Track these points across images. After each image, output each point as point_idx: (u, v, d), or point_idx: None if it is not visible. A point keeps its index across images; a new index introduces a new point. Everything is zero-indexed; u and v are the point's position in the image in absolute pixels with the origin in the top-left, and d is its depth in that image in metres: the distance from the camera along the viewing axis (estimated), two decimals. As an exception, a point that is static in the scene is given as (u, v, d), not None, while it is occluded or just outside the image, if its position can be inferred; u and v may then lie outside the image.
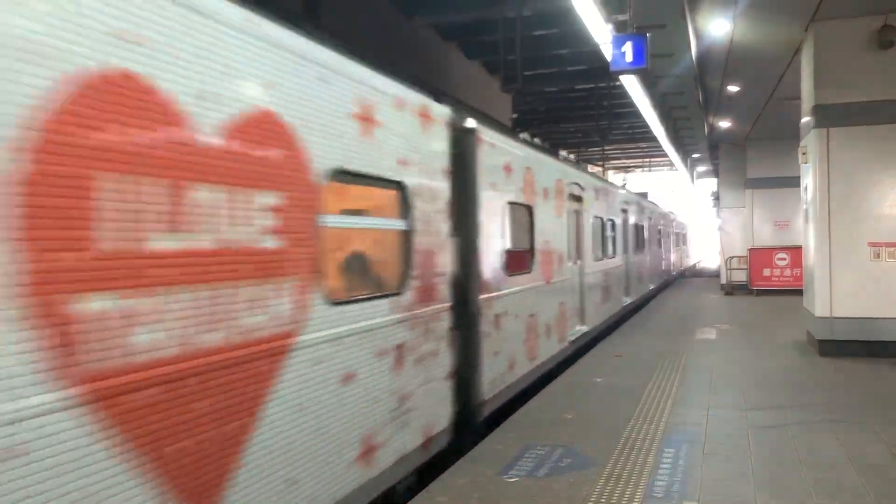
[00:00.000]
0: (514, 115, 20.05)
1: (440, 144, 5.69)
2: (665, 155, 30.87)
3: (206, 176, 3.07)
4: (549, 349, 9.08)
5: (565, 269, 9.87)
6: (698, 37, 11.89)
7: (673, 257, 30.20)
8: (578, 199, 11.00)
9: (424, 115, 5.40)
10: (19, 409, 2.22)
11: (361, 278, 4.88)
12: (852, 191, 10.01)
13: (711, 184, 36.54)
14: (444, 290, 5.58)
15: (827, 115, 10.14)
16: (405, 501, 4.89)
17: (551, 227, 9.22)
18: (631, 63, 9.28)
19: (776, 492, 4.86)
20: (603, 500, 4.73)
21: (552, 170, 9.56)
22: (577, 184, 10.89)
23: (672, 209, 33.14)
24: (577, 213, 10.99)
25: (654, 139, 24.21)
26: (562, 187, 9.83)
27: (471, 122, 6.41)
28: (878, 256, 9.90)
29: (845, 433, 6.24)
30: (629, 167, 43.59)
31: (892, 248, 9.85)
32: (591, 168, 29.86)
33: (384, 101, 4.78)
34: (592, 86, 19.08)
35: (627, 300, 16.08)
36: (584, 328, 11.14)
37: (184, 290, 2.93)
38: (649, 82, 15.33)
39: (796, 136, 11.65)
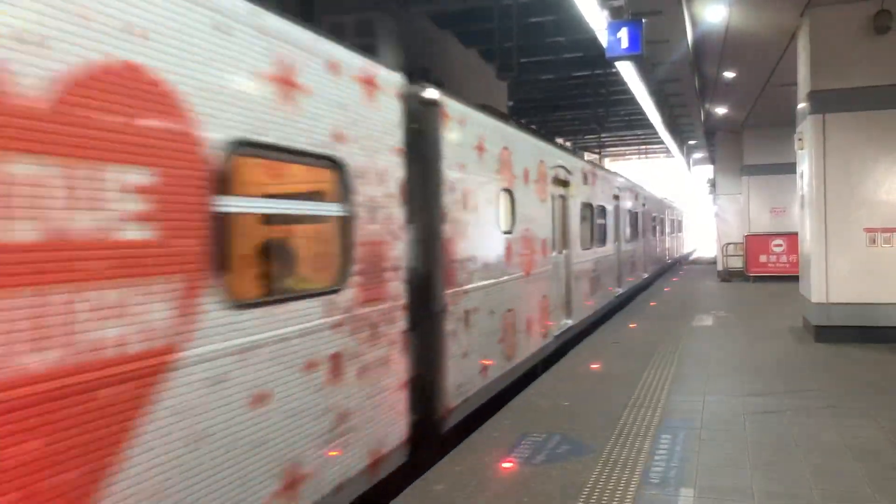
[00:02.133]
0: (511, 103, 19.98)
1: None
2: (661, 142, 30.82)
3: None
4: None
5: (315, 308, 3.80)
6: (694, 23, 11.84)
7: (652, 254, 22.99)
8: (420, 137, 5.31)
9: None
10: None
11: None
12: (848, 177, 10.01)
13: (708, 171, 36.52)
14: None
15: (823, 102, 10.11)
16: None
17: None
18: (627, 49, 9.25)
19: (773, 478, 4.88)
20: (600, 487, 4.75)
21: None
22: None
23: (645, 185, 24.32)
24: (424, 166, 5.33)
25: (651, 126, 24.14)
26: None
27: None
28: (874, 242, 9.91)
29: (842, 419, 6.27)
30: (626, 154, 43.55)
31: (888, 234, 9.86)
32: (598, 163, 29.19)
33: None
34: (588, 73, 18.98)
35: (564, 324, 10.28)
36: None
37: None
38: (645, 69, 15.27)
39: (792, 123, 11.63)
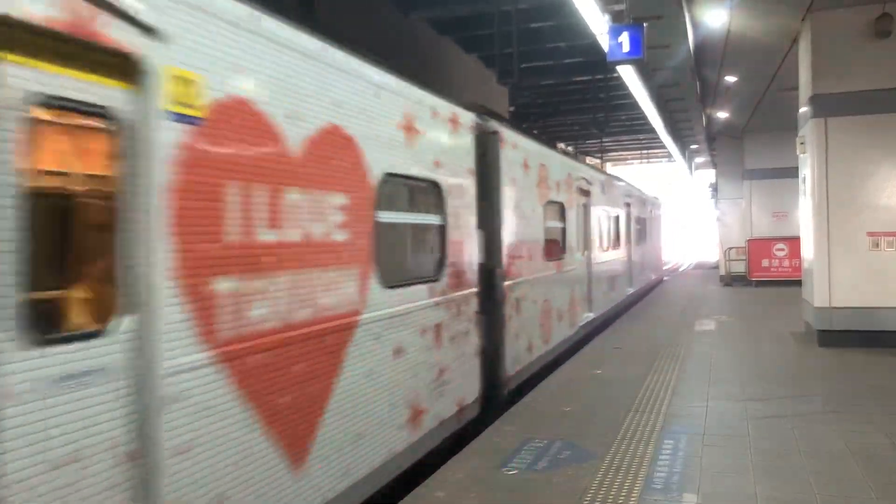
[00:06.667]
0: (512, 108, 19.99)
1: None
2: (663, 146, 30.83)
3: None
4: None
5: None
6: (695, 27, 11.84)
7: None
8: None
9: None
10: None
11: None
12: (850, 181, 9.98)
13: (710, 175, 36.49)
14: None
15: (825, 105, 10.10)
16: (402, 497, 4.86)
17: None
18: (628, 53, 9.25)
19: (776, 483, 4.85)
20: (602, 493, 4.72)
21: None
22: None
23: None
24: None
25: (652, 131, 24.18)
26: None
27: None
28: (877, 246, 9.88)
29: (845, 424, 6.24)
30: (628, 159, 43.56)
31: (891, 238, 9.83)
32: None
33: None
34: (589, 78, 19.01)
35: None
36: None
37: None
38: (646, 73, 15.29)
39: (794, 127, 11.61)
